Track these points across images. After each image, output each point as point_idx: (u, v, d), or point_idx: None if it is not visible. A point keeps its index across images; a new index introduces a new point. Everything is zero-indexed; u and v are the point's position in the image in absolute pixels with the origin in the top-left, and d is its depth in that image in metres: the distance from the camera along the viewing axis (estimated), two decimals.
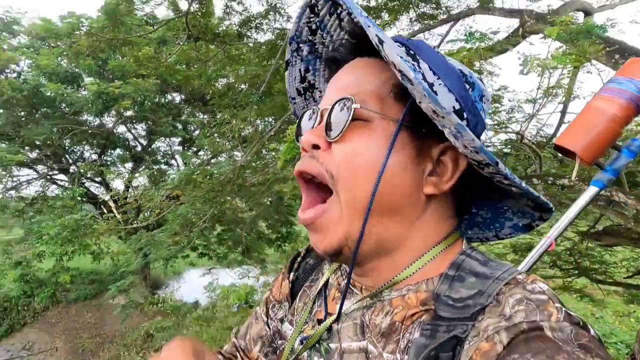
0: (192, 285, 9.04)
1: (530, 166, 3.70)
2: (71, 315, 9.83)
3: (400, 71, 0.45)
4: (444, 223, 0.56)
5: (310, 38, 0.61)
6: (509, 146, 4.09)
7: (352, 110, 0.50)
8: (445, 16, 5.60)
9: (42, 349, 8.75)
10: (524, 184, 0.51)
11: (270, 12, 6.69)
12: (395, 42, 0.52)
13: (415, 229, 0.54)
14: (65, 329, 9.38)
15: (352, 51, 0.59)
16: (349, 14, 0.56)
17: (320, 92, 0.68)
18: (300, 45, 0.62)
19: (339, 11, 0.57)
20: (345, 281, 0.60)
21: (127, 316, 8.04)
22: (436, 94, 0.49)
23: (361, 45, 0.57)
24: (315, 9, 0.57)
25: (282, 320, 0.71)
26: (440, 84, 0.51)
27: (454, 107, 0.51)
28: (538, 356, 0.37)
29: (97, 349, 8.32)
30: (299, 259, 0.77)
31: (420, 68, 0.51)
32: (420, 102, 0.47)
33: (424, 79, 0.50)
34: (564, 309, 0.42)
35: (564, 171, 3.26)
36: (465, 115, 0.51)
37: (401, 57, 0.45)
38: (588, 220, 3.81)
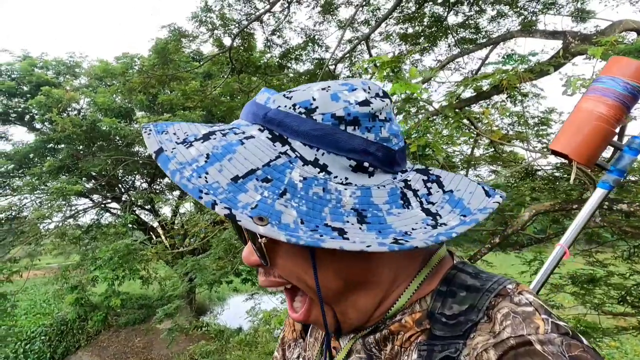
0: (236, 310, 9.14)
1: (585, 191, 3.52)
2: (121, 339, 10.16)
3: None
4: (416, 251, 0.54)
5: None
6: (561, 170, 3.91)
7: (262, 245, 0.47)
8: (484, 40, 5.58)
9: None
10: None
11: (309, 44, 6.97)
12: (260, 124, 0.48)
13: (387, 278, 0.51)
14: (115, 352, 9.69)
15: None
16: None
17: None
18: None
19: None
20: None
21: (173, 340, 8.19)
22: (326, 167, 0.45)
23: None
24: None
25: (298, 358, 0.69)
26: (323, 154, 0.45)
27: (350, 166, 0.46)
28: None
29: None
30: None
31: (294, 151, 0.45)
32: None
33: (305, 162, 0.45)
34: (550, 319, 0.41)
35: (624, 196, 3.06)
36: (367, 165, 0.46)
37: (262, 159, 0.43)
38: None
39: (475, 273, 0.50)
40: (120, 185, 10.52)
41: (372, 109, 0.47)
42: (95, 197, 10.39)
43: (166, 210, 10.38)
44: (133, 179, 10.72)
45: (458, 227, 0.44)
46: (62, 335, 10.05)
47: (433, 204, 0.47)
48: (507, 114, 4.27)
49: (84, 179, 9.56)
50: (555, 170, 4.01)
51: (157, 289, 9.81)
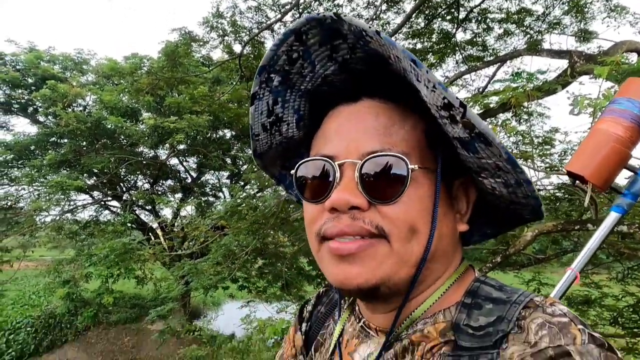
0: (230, 317, 9.11)
1: (585, 212, 3.58)
2: (110, 337, 10.07)
3: (477, 133, 0.44)
4: (458, 254, 0.57)
5: (286, 68, 0.54)
6: (562, 190, 3.98)
7: (409, 172, 0.48)
8: (492, 58, 5.68)
9: None
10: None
11: None
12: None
13: (450, 265, 0.54)
14: (103, 350, 9.60)
15: (353, 89, 0.55)
16: (360, 51, 0.51)
17: (288, 124, 0.61)
18: (272, 75, 0.54)
19: (335, 42, 0.51)
20: (360, 324, 0.59)
21: (164, 342, 8.15)
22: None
23: (367, 85, 0.54)
24: (304, 36, 0.50)
25: None
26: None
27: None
28: None
29: None
30: (308, 307, 0.74)
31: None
32: (480, 159, 0.48)
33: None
34: (587, 330, 0.41)
35: (624, 218, 3.11)
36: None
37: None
38: None
39: (499, 286, 0.51)
40: (121, 184, 10.50)
41: None
42: (95, 194, 10.37)
43: (167, 212, 10.40)
44: (135, 178, 10.73)
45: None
46: (49, 329, 9.93)
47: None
48: (514, 132, 4.34)
49: (85, 175, 9.54)
50: (557, 191, 4.07)
51: (151, 289, 9.76)
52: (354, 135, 0.51)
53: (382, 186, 0.48)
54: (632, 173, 0.92)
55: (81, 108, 10.08)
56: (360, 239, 0.48)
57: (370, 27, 0.44)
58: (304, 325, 0.72)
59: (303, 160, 0.55)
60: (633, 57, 3.45)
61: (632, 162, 0.91)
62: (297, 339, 0.70)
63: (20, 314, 10.30)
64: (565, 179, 3.86)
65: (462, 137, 0.46)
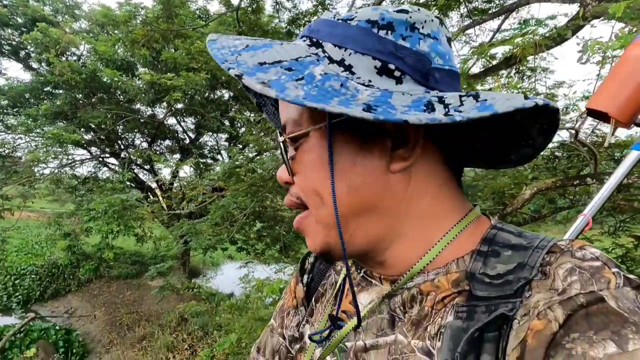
0: (229, 277, 9.34)
1: (584, 168, 3.49)
2: (112, 290, 10.41)
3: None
4: (443, 192, 0.50)
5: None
6: (561, 149, 3.89)
7: (281, 143, 0.51)
8: (497, 9, 5.32)
9: (83, 315, 9.36)
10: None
11: (319, 9, 6.66)
12: (301, 38, 0.50)
13: (405, 213, 0.49)
14: (105, 301, 9.96)
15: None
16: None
17: None
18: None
19: None
20: (362, 274, 0.57)
21: (163, 297, 8.41)
22: (350, 68, 0.44)
23: None
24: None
25: (298, 325, 0.67)
26: (350, 54, 0.45)
27: (375, 67, 0.44)
28: (601, 333, 0.34)
29: (133, 324, 8.76)
30: (310, 259, 0.74)
31: (324, 52, 0.46)
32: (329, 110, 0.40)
33: (331, 61, 0.45)
34: (622, 273, 0.38)
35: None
36: (392, 67, 0.44)
37: (282, 68, 0.43)
38: None
39: (519, 232, 0.47)
40: (119, 142, 10.35)
41: (411, 17, 0.46)
42: (93, 149, 10.26)
43: (165, 172, 10.33)
44: (133, 136, 10.52)
45: (470, 112, 0.39)
46: (53, 277, 10.30)
47: (460, 111, 0.40)
48: (518, 87, 4.17)
49: (82, 129, 9.37)
50: (557, 150, 3.98)
51: (151, 247, 9.94)
52: (283, 105, 0.54)
53: (290, 159, 0.51)
54: None
55: (75, 58, 9.69)
56: (300, 215, 0.53)
57: (229, 69, 0.44)
58: (305, 277, 0.71)
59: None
60: None
61: None
62: (299, 290, 0.70)
63: (24, 261, 10.62)
64: (565, 135, 3.75)
65: None
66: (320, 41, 0.47)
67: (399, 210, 0.49)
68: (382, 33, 0.45)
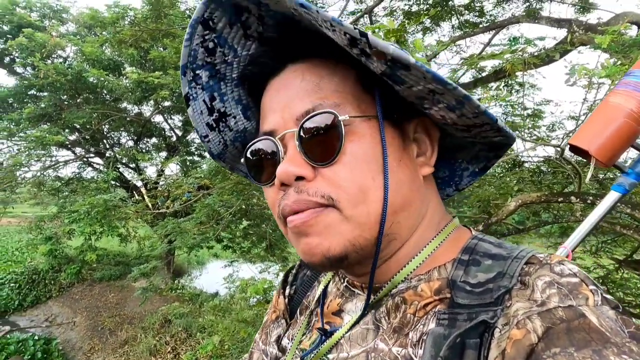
0: (214, 276, 9.23)
1: (568, 185, 3.60)
2: (94, 294, 10.19)
3: (391, 60, 0.40)
4: (440, 202, 0.55)
5: (208, 60, 0.51)
6: (546, 164, 4.00)
7: (341, 124, 0.45)
8: (488, 24, 5.53)
9: (62, 323, 9.11)
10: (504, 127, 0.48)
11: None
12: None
13: (424, 216, 0.52)
14: (87, 306, 9.73)
15: (277, 60, 0.52)
16: (262, 16, 0.48)
17: (235, 117, 0.58)
18: (197, 72, 0.51)
19: (243, 18, 0.48)
20: (344, 284, 0.57)
21: (146, 299, 8.24)
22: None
23: (288, 51, 0.51)
24: (210, 23, 0.47)
25: (279, 339, 0.65)
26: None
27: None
28: (582, 351, 0.32)
29: (116, 328, 8.59)
30: (293, 271, 0.73)
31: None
32: (410, 87, 0.43)
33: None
34: (600, 291, 0.38)
35: (605, 192, 3.15)
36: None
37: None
38: (626, 249, 3.63)
39: (498, 243, 0.48)
40: (105, 141, 10.23)
41: None
42: (77, 150, 10.11)
43: (151, 171, 10.23)
44: (119, 135, 10.44)
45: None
46: (33, 284, 10.01)
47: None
48: (507, 100, 4.29)
49: (66, 130, 9.25)
50: (542, 164, 4.10)
51: (135, 247, 9.78)
52: (285, 102, 0.49)
53: (320, 147, 0.46)
54: (638, 152, 0.86)
55: (61, 60, 9.62)
56: (302, 212, 0.46)
57: None
58: (288, 289, 0.71)
59: (248, 146, 0.52)
60: (633, 32, 3.38)
61: None
62: (280, 303, 0.69)
63: (3, 269, 10.30)
64: (551, 151, 3.88)
65: (385, 71, 0.42)
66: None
67: (421, 212, 0.51)
68: None
